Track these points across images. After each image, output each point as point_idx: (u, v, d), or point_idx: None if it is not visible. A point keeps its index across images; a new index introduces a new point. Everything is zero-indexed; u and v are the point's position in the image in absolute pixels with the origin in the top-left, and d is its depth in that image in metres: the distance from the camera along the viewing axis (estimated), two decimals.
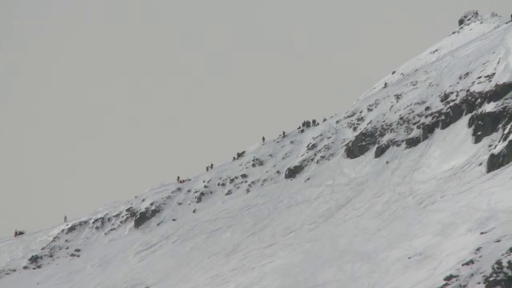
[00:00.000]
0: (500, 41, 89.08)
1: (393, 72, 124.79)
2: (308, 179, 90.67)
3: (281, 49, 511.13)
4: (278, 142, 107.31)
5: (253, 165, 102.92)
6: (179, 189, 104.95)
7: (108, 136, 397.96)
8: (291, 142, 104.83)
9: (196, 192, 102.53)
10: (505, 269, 39.36)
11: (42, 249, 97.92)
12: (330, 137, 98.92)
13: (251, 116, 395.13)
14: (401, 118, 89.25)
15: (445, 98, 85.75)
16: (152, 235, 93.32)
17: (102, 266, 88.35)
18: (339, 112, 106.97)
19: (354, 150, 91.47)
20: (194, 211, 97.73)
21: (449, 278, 41.29)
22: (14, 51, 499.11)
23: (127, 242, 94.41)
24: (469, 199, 55.94)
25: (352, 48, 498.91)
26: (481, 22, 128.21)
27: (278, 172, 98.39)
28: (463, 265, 42.11)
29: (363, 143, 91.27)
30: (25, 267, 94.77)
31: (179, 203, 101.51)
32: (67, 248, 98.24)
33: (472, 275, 40.55)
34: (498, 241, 43.23)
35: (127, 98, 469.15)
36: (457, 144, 74.93)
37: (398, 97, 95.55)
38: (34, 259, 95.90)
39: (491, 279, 39.23)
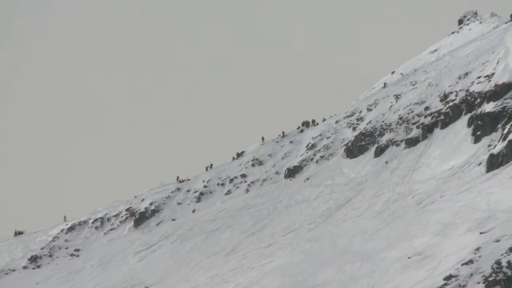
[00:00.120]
0: (499, 41, 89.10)
1: (393, 72, 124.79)
2: (308, 179, 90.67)
3: (280, 49, 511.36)
4: (277, 142, 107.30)
5: (253, 165, 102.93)
6: (178, 189, 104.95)
7: (108, 136, 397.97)
8: (291, 142, 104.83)
9: (195, 192, 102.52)
10: (504, 269, 39.37)
11: (42, 249, 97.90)
12: (329, 137, 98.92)
13: (251, 116, 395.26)
14: (400, 118, 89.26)
15: (444, 98, 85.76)
16: (152, 235, 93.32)
17: (102, 266, 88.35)
18: (338, 112, 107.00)
19: (354, 150, 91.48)
20: (193, 211, 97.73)
21: (448, 278, 41.29)
22: (14, 51, 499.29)
23: (126, 242, 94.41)
24: (468, 199, 55.93)
25: (351, 48, 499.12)
26: (481, 22, 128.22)
27: (277, 172, 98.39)
28: (462, 265, 42.11)
29: (363, 143, 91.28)
30: (24, 267, 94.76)
31: (179, 203, 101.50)
32: (66, 248, 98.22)
33: (471, 275, 40.55)
34: (498, 241, 43.22)
35: (127, 98, 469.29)
36: (457, 144, 74.93)
37: (397, 97, 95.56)
38: (33, 259, 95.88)
39: (490, 279, 39.24)
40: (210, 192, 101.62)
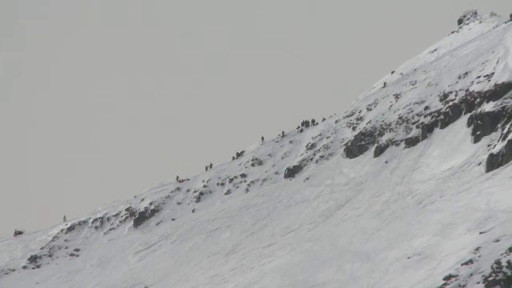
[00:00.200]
0: (499, 41, 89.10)
1: (392, 72, 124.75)
2: (307, 178, 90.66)
3: (280, 49, 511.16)
4: (277, 141, 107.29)
5: (252, 165, 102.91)
6: (178, 188, 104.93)
7: (108, 136, 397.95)
8: (290, 141, 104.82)
9: (195, 191, 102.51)
10: (504, 269, 39.39)
11: (41, 248, 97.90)
12: (329, 137, 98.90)
13: (250, 116, 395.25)
14: (400, 118, 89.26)
15: (444, 97, 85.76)
16: (151, 235, 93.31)
17: (102, 265, 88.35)
18: (338, 112, 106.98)
19: (353, 149, 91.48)
20: (193, 211, 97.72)
21: (448, 278, 41.30)
22: (14, 51, 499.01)
23: (126, 241, 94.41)
24: (468, 199, 55.94)
25: (351, 47, 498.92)
26: (480, 22, 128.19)
27: (277, 172, 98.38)
28: (462, 265, 42.12)
29: (362, 142, 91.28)
30: (24, 267, 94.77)
31: (178, 203, 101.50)
32: (66, 247, 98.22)
33: (471, 275, 40.57)
34: (497, 240, 43.24)
35: (127, 98, 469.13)
36: (456, 144, 74.93)
37: (397, 96, 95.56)
38: (33, 259, 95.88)
39: (490, 278, 39.25)
40: (210, 192, 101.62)
